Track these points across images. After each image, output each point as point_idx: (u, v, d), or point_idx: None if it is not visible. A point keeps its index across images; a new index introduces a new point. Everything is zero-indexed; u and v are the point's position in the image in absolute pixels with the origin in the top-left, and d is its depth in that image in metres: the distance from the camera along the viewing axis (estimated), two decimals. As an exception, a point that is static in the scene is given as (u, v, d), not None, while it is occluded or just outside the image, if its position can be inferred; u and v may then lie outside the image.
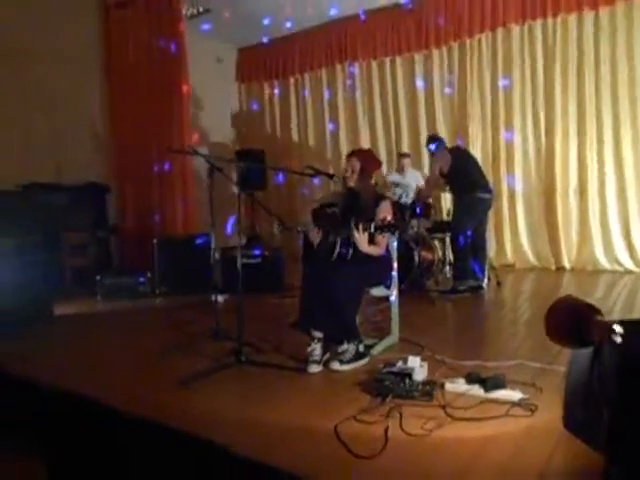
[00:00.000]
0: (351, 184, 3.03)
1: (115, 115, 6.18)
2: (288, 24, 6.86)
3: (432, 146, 5.00)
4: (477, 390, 2.23)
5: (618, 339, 1.42)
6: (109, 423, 2.17)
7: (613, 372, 1.44)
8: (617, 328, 1.43)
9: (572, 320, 1.54)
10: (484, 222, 4.80)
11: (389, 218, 2.71)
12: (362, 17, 6.64)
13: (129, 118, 6.04)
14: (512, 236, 6.12)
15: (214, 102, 7.15)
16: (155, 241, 5.03)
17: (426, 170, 6.12)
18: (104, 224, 5.69)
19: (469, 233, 4.63)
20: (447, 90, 6.43)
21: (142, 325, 4.01)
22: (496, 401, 2.13)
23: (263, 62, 7.82)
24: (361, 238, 2.75)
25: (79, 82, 5.81)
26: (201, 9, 6.52)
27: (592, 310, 1.54)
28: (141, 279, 5.00)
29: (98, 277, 4.95)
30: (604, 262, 5.56)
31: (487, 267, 4.95)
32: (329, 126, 7.37)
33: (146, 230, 5.76)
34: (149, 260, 5.07)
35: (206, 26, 6.63)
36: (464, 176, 4.70)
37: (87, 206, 5.54)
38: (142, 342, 3.42)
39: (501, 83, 6.05)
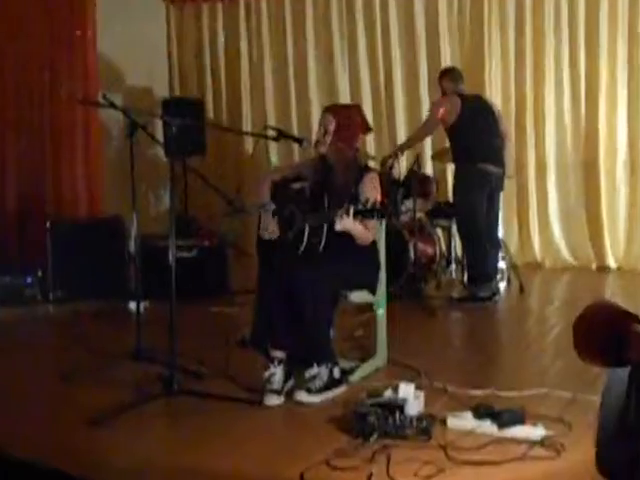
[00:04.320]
0: (323, 150, 3.15)
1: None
2: None
3: (446, 83, 5.05)
4: (488, 426, 2.38)
5: (662, 356, 1.58)
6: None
7: (655, 398, 1.61)
8: (661, 342, 1.59)
9: (605, 331, 1.69)
10: (493, 205, 4.93)
11: (376, 198, 2.80)
12: None
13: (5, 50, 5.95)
14: (541, 225, 6.33)
15: (132, 31, 7.09)
16: (48, 224, 5.00)
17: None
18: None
19: (479, 217, 4.77)
20: (456, 19, 6.55)
21: (34, 341, 4.04)
22: (512, 440, 2.29)
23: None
24: (348, 222, 2.72)
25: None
26: None
27: (630, 319, 1.69)
28: (28, 279, 5.00)
29: (-34, 277, 4.93)
30: (661, 260, 5.85)
31: (506, 267, 5.16)
32: (292, 69, 7.40)
33: (33, 209, 5.71)
34: (39, 252, 5.07)
35: None
36: (467, 136, 4.80)
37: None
38: (37, 364, 3.46)
39: (528, 14, 6.21)
